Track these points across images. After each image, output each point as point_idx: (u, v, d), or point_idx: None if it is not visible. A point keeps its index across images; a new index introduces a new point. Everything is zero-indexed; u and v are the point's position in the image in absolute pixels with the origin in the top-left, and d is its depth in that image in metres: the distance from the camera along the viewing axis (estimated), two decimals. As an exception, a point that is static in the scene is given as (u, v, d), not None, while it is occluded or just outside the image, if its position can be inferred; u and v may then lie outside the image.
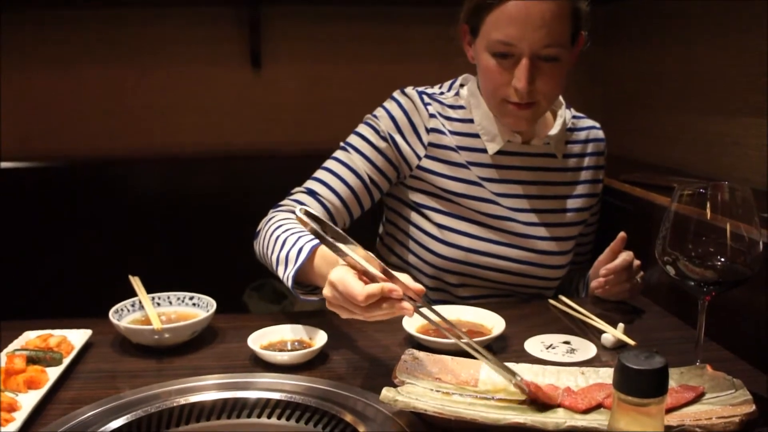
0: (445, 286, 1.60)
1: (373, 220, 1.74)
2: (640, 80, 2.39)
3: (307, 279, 1.27)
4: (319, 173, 1.54)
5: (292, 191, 1.53)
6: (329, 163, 1.55)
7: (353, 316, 1.07)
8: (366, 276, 1.04)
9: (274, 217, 1.44)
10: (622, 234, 1.44)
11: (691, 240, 1.08)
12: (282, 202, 1.51)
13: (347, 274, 1.04)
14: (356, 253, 1.06)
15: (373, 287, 1.01)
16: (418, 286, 1.04)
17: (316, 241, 1.23)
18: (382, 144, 1.54)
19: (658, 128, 2.28)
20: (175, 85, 2.40)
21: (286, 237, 1.32)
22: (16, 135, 2.30)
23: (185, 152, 2.40)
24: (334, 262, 1.12)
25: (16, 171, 2.20)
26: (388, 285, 1.01)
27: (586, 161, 1.65)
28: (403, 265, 1.65)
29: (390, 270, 1.04)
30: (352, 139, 1.56)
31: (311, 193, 1.50)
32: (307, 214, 1.06)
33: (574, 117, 1.67)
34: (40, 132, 2.33)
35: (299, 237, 1.29)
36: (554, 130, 1.58)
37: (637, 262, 1.46)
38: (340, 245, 1.05)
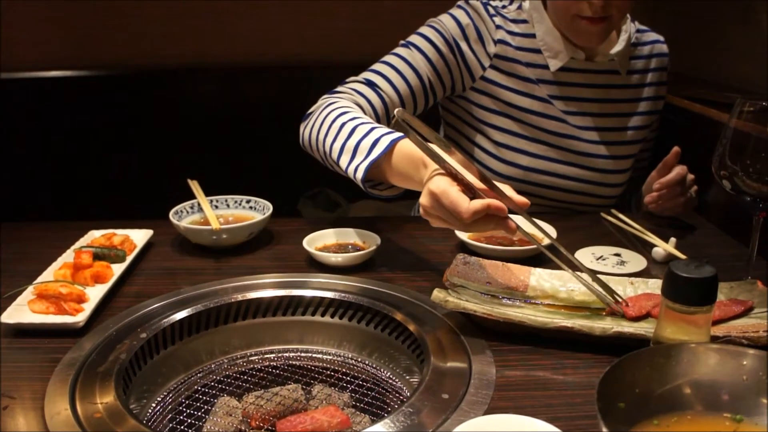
0: None
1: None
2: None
3: (377, 173, 1.22)
4: (380, 66, 1.48)
5: (347, 80, 1.48)
6: (390, 58, 1.49)
7: (450, 227, 1.05)
8: (466, 187, 1.00)
9: (334, 102, 1.37)
10: (675, 149, 1.41)
11: (749, 155, 1.06)
12: (338, 89, 1.45)
13: (450, 187, 1.00)
14: (454, 159, 1.02)
15: (479, 204, 0.97)
16: (522, 200, 1.01)
17: (396, 134, 1.16)
18: (445, 49, 1.49)
19: (722, 44, 2.21)
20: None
21: (355, 125, 1.24)
22: (74, 44, 2.33)
23: (240, 61, 2.41)
24: (418, 162, 1.09)
25: (76, 79, 2.24)
26: (495, 202, 0.97)
27: (649, 77, 1.61)
28: None
29: (488, 178, 1.01)
30: (415, 38, 1.51)
31: (371, 84, 1.44)
32: (404, 116, 1.02)
33: (638, 31, 1.61)
34: (100, 40, 2.35)
35: (373, 128, 1.21)
36: (619, 46, 1.53)
37: (691, 176, 1.44)
38: (439, 151, 1.01)
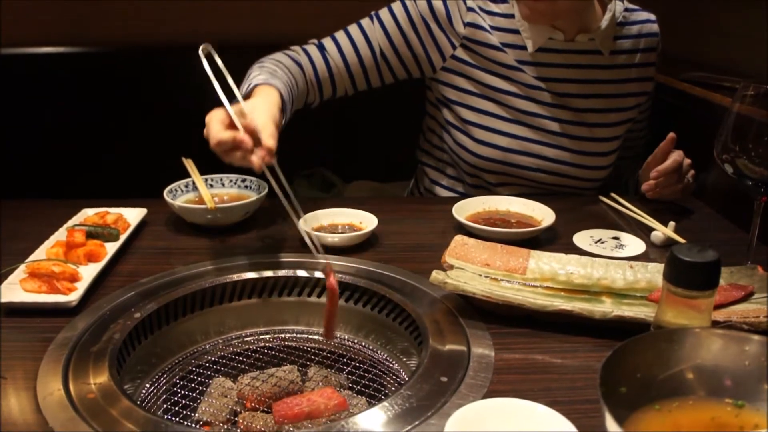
0: (485, 184, 1.58)
1: (421, 114, 1.73)
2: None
3: None
4: (338, 33, 1.54)
5: (309, 41, 1.54)
6: (351, 27, 1.54)
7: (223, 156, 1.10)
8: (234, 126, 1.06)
9: (262, 61, 1.44)
10: (671, 134, 1.40)
11: (751, 140, 1.05)
12: (292, 47, 1.52)
13: (214, 118, 1.08)
14: (235, 108, 1.08)
15: (225, 134, 1.05)
16: (269, 144, 1.05)
17: (263, 77, 1.27)
18: (408, 27, 1.50)
19: (724, 26, 2.19)
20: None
21: (251, 72, 1.34)
22: (68, 20, 2.30)
23: (236, 40, 2.37)
24: (269, 101, 1.19)
25: (69, 56, 2.22)
26: (240, 136, 1.04)
27: (637, 58, 1.58)
28: (446, 159, 1.64)
29: (259, 125, 1.07)
30: (382, 11, 1.53)
31: (321, 47, 1.51)
32: (209, 56, 1.09)
33: (626, 10, 1.57)
34: (94, 18, 2.32)
35: (259, 74, 1.30)
36: (601, 26, 1.50)
37: (687, 161, 1.43)
38: (222, 96, 1.08)
